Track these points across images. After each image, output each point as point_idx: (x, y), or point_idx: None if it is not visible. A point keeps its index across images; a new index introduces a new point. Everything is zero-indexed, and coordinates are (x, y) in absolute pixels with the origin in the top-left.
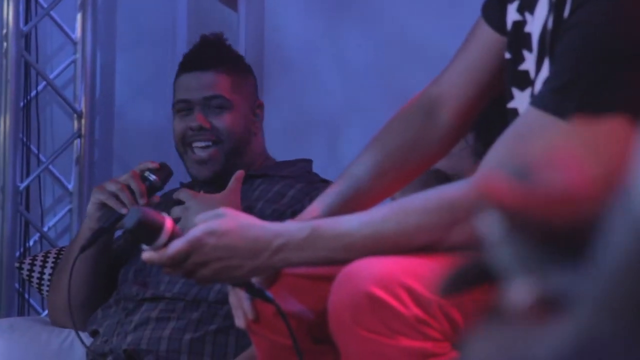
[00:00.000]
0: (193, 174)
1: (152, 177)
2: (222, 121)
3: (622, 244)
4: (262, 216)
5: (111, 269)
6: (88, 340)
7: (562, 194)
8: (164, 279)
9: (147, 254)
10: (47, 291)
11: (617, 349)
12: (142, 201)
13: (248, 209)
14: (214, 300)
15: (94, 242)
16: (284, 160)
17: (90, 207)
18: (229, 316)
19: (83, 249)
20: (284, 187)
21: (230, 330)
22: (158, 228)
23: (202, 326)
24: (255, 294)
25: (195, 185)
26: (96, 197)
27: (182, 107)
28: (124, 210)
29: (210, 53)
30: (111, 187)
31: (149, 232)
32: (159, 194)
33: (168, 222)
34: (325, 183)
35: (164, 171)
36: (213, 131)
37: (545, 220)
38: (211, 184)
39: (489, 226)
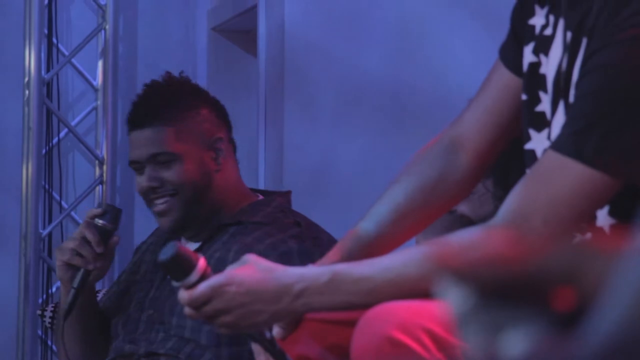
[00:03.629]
0: (160, 227)
1: (101, 222)
2: (173, 174)
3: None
4: None
5: (102, 320)
6: None
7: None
8: (154, 338)
9: (180, 292)
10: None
11: None
12: (99, 249)
13: (221, 259)
14: (212, 355)
15: (74, 306)
16: (260, 200)
17: (59, 272)
18: None
19: (66, 316)
20: (254, 241)
21: None
22: (191, 266)
23: None
24: (272, 351)
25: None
26: (59, 259)
27: (136, 167)
28: (90, 266)
29: (146, 107)
30: (69, 244)
31: (181, 268)
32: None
33: (201, 262)
34: (299, 227)
35: (111, 213)
36: (166, 186)
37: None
38: (175, 233)
39: (452, 296)
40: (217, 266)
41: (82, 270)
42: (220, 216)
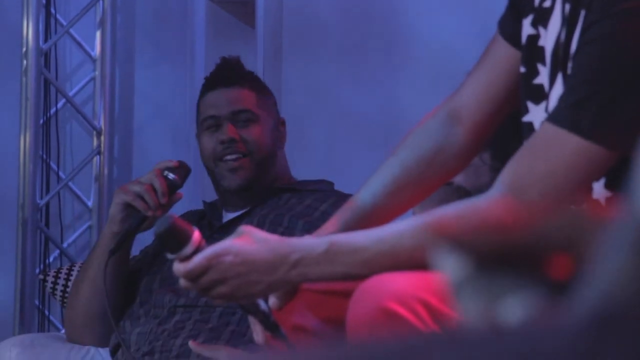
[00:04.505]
0: (225, 185)
1: (172, 175)
2: (251, 134)
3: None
4: (291, 231)
5: (128, 280)
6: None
7: (494, 225)
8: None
9: (175, 264)
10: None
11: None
12: (164, 200)
13: (275, 220)
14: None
15: (122, 245)
16: (307, 180)
17: (114, 209)
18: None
19: (112, 252)
20: (315, 201)
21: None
22: (186, 238)
23: (236, 336)
24: (267, 323)
25: (219, 204)
26: (121, 197)
27: (211, 124)
28: (149, 213)
29: (232, 70)
30: (135, 187)
31: (176, 240)
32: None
33: (196, 234)
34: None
35: (182, 169)
36: (243, 143)
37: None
38: (243, 192)
39: (446, 264)
40: (270, 228)
41: (140, 215)
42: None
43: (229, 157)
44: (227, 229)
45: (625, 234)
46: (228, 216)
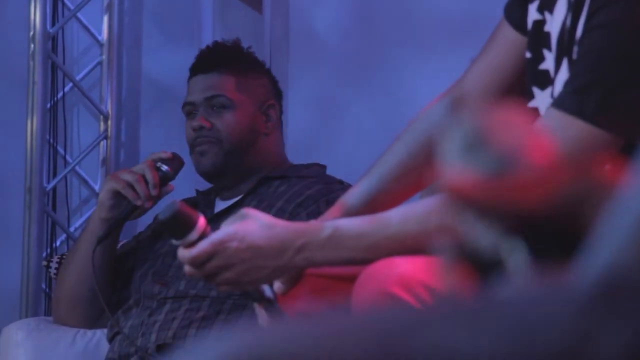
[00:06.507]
0: (197, 170)
1: (165, 167)
2: (223, 120)
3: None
4: (282, 214)
5: (116, 266)
6: (106, 345)
7: (528, 181)
8: (183, 279)
9: (180, 250)
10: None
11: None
12: (154, 192)
13: (268, 208)
14: (238, 295)
15: (111, 233)
16: (300, 163)
17: (104, 195)
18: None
19: (101, 239)
20: (302, 187)
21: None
22: (191, 224)
23: (227, 325)
24: (271, 310)
25: (213, 193)
26: (111, 185)
27: (189, 110)
28: (138, 202)
29: (215, 56)
30: (127, 176)
31: (181, 226)
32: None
33: (201, 220)
34: (342, 184)
35: (176, 161)
36: (213, 131)
37: (513, 208)
38: (212, 178)
39: (466, 222)
40: None
41: (130, 204)
42: (261, 173)
43: (199, 144)
44: (219, 220)
45: (632, 205)
46: (220, 205)
